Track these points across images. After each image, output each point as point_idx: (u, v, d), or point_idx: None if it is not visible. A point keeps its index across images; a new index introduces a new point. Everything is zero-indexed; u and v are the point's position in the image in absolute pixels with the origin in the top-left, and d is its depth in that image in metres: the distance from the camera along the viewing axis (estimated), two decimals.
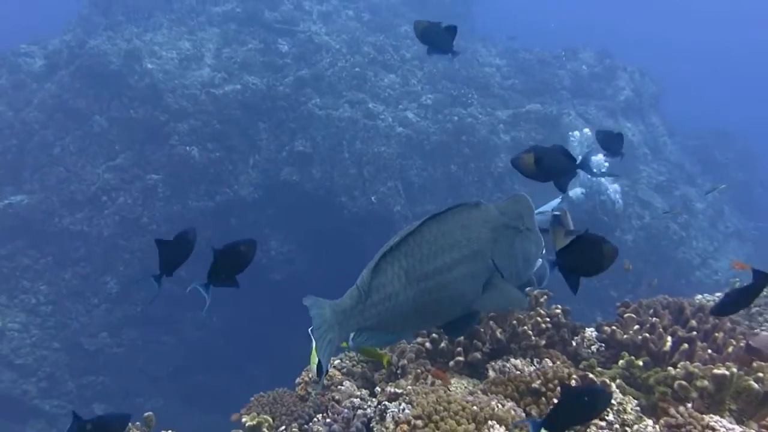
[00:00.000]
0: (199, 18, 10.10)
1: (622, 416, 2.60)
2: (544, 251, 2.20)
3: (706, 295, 4.11)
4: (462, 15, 12.89)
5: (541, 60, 11.11)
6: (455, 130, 9.56)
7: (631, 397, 2.69)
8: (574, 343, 3.22)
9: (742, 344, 2.97)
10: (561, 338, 3.22)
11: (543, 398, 2.59)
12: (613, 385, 2.74)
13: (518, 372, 2.85)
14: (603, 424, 2.52)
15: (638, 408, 2.65)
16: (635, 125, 11.14)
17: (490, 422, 2.20)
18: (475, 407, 2.25)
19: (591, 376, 2.59)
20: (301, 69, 9.60)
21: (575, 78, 11.00)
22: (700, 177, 12.06)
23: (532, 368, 2.84)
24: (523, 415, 2.46)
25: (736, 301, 2.44)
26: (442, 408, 2.23)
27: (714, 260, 10.44)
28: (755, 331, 3.33)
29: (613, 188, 7.21)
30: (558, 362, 2.97)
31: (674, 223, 9.89)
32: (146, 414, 3.05)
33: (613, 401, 2.64)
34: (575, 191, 6.82)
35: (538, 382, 2.62)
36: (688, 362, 2.72)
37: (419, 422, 2.22)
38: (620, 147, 3.45)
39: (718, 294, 4.05)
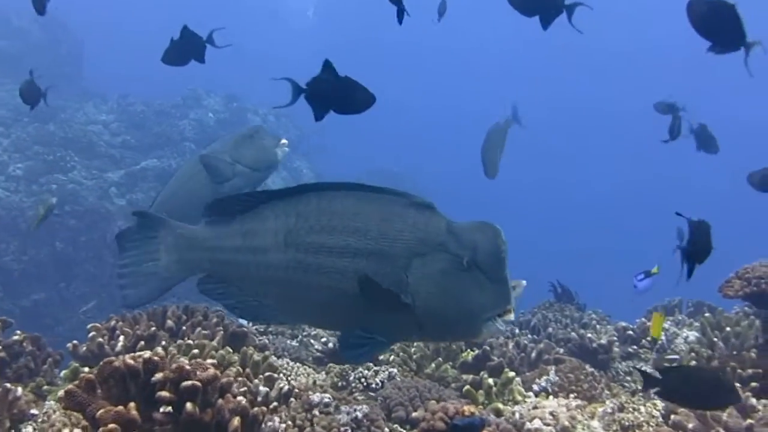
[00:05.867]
0: None
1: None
2: (508, 314, 1.91)
3: None
4: (70, 75, 12.87)
5: (158, 111, 11.41)
6: (56, 200, 9.38)
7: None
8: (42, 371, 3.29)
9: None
10: (27, 368, 3.27)
11: None
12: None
13: None
14: None
15: None
16: (276, 172, 11.81)
17: None
18: None
19: None
20: None
21: (200, 126, 11.45)
22: None
23: None
24: None
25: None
26: None
27: None
28: None
29: None
30: None
31: None
32: None
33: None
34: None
35: None
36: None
37: None
38: None
39: None
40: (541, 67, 27.57)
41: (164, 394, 1.98)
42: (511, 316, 1.90)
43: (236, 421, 2.02)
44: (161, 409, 2.02)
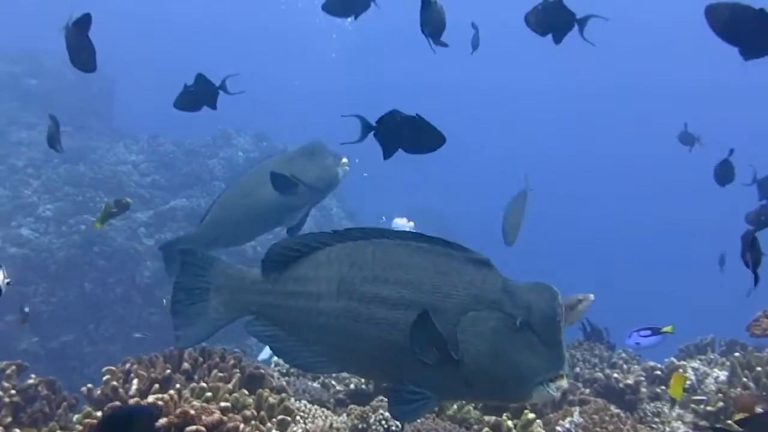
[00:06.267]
0: None
1: None
2: (560, 385, 1.88)
3: None
4: (100, 113, 13.14)
5: (188, 151, 11.56)
6: (84, 242, 9.52)
7: None
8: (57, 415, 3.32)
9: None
10: (42, 413, 3.31)
11: None
12: None
13: None
14: None
15: None
16: (314, 210, 11.86)
17: None
18: None
19: None
20: None
21: (229, 165, 11.56)
22: None
23: None
24: None
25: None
26: None
27: None
28: None
29: None
30: None
31: None
32: None
33: None
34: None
35: None
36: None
37: None
38: None
39: None
40: (570, 103, 27.70)
41: None
42: (564, 383, 1.87)
43: None
44: None
